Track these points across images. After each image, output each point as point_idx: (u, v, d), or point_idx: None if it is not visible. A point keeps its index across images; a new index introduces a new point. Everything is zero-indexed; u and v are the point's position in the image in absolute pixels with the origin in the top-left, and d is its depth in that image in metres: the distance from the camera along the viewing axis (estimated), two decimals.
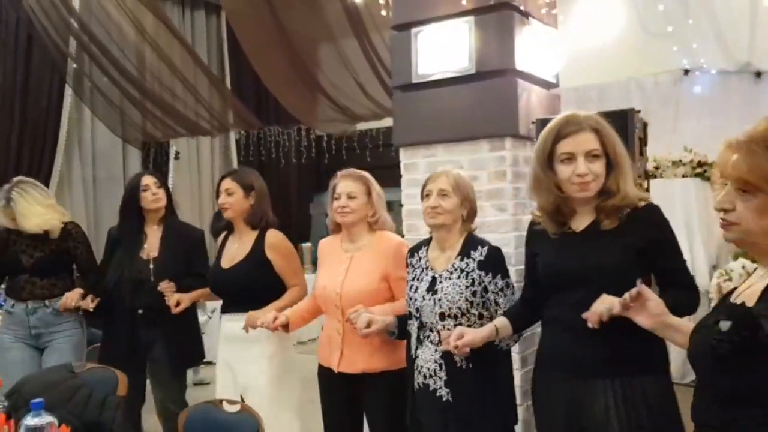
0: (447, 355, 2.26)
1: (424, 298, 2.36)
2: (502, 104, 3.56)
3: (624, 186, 1.97)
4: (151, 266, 3.33)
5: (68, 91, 7.23)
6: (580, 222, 2.04)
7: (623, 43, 5.75)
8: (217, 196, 3.20)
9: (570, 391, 1.96)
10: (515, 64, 3.59)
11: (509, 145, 3.57)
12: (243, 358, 3.08)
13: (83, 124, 7.74)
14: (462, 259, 2.35)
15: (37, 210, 3.44)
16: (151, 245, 3.41)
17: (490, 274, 2.31)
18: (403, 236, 3.81)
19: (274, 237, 3.18)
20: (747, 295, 1.44)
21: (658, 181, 5.30)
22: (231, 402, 2.36)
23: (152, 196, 3.39)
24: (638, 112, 3.29)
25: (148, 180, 3.42)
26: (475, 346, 2.12)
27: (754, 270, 1.55)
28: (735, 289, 1.55)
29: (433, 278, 2.38)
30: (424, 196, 2.43)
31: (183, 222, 3.75)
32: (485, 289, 2.32)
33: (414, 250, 2.57)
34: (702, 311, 4.82)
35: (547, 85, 3.95)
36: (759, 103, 5.27)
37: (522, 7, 3.67)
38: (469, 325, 2.27)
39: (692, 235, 5.32)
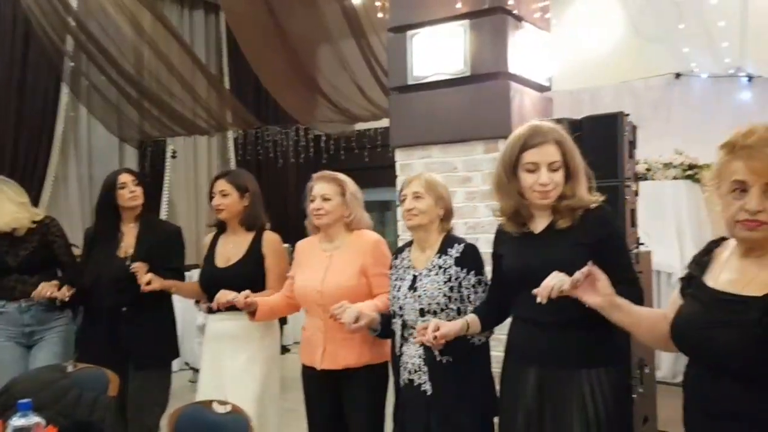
0: (427, 351, 2.37)
1: (406, 297, 2.47)
2: (495, 106, 3.64)
3: (578, 191, 2.12)
4: (128, 264, 3.28)
5: (65, 90, 7.24)
6: (539, 223, 2.18)
7: (616, 48, 5.84)
8: (211, 198, 3.22)
9: (537, 382, 2.08)
10: (508, 67, 3.67)
11: (502, 147, 3.65)
12: (230, 358, 3.10)
13: (79, 123, 7.74)
14: (440, 257, 2.47)
15: (8, 208, 3.43)
16: (128, 243, 3.38)
17: (465, 270, 2.43)
18: (396, 235, 3.88)
19: (271, 236, 3.23)
20: (754, 284, 1.51)
21: (649, 183, 5.38)
22: (221, 402, 2.36)
23: (129, 193, 3.35)
24: (627, 115, 3.36)
25: (125, 178, 3.38)
26: (448, 339, 2.24)
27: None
28: (692, 277, 1.69)
29: (414, 276, 2.50)
30: (401, 201, 2.57)
31: (159, 219, 3.81)
32: (460, 285, 2.43)
33: (398, 252, 2.67)
34: None
35: (540, 88, 4.03)
36: (748, 108, 5.35)
37: (515, 11, 3.75)
38: (447, 320, 2.35)
39: (682, 236, 5.39)
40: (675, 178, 5.42)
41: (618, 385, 2.09)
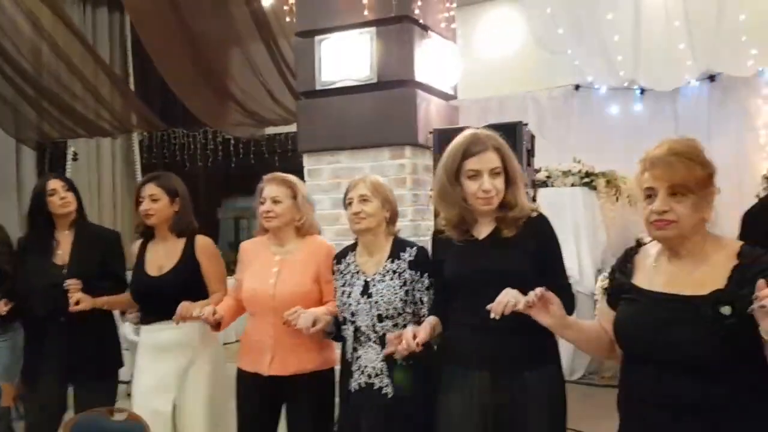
0: (387, 355, 2.32)
1: (359, 303, 2.43)
2: (402, 113, 3.71)
3: (520, 199, 2.17)
4: (65, 272, 3.13)
5: None
6: (482, 230, 2.21)
7: (520, 58, 6.05)
8: (138, 203, 3.04)
9: (489, 385, 2.11)
10: (415, 75, 3.74)
11: (409, 153, 3.72)
12: (175, 367, 2.94)
13: None
14: (393, 261, 2.45)
15: None
16: (65, 251, 3.23)
17: (419, 273, 2.42)
18: None
19: (204, 240, 3.09)
20: (689, 284, 1.63)
21: (549, 189, 5.59)
22: (119, 410, 2.30)
23: (60, 200, 3.20)
24: (526, 124, 3.49)
25: (55, 184, 3.22)
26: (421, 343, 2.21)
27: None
28: (621, 284, 1.79)
29: (366, 282, 2.46)
30: (347, 204, 2.49)
31: (96, 225, 3.60)
32: (414, 288, 2.43)
33: (340, 257, 2.61)
34: (585, 310, 5.08)
35: (445, 96, 4.12)
36: (642, 118, 5.66)
37: (422, 21, 3.83)
38: (404, 325, 2.36)
39: (579, 240, 5.63)
40: (573, 185, 5.65)
41: (560, 381, 2.21)
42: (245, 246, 2.93)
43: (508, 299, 1.79)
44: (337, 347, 2.68)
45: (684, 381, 1.60)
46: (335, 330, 2.54)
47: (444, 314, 2.30)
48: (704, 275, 1.63)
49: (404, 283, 2.41)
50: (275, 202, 2.71)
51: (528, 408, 2.08)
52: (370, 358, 2.43)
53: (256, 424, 2.76)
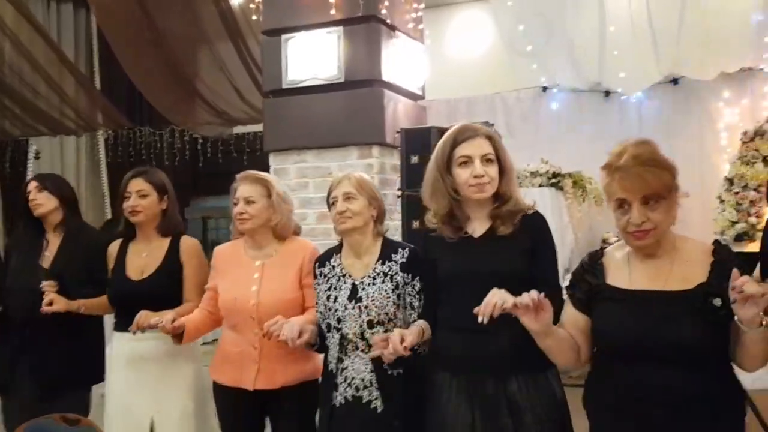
0: (378, 365, 2.19)
1: (346, 308, 2.25)
2: (369, 113, 3.71)
3: (514, 192, 2.11)
4: (44, 274, 2.96)
5: None
6: (477, 227, 2.12)
7: (489, 60, 6.09)
8: (123, 199, 2.85)
9: (493, 391, 2.01)
10: (382, 74, 3.74)
11: (377, 153, 3.73)
12: (151, 386, 2.75)
13: None
14: (383, 263, 2.27)
15: None
16: (52, 252, 3.08)
17: (411, 276, 2.26)
18: None
19: (190, 242, 2.91)
20: (672, 280, 1.68)
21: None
22: (72, 417, 2.17)
23: (32, 202, 3.06)
24: (492, 125, 3.51)
25: (31, 185, 3.10)
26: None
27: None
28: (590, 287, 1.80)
29: (354, 286, 2.28)
30: (331, 204, 2.33)
31: (91, 227, 3.41)
32: (406, 292, 2.27)
33: (324, 259, 2.41)
34: None
35: (413, 96, 4.13)
36: (607, 120, 5.74)
37: (389, 21, 3.83)
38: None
39: None
40: (541, 185, 5.70)
41: (558, 385, 2.09)
42: (220, 251, 2.72)
43: (495, 300, 1.71)
44: (319, 358, 2.50)
45: (684, 374, 1.63)
46: (318, 341, 2.35)
47: (435, 318, 2.17)
48: (685, 271, 1.69)
49: (396, 287, 2.24)
50: (248, 202, 2.53)
51: (522, 415, 1.98)
52: (358, 369, 2.24)
53: None
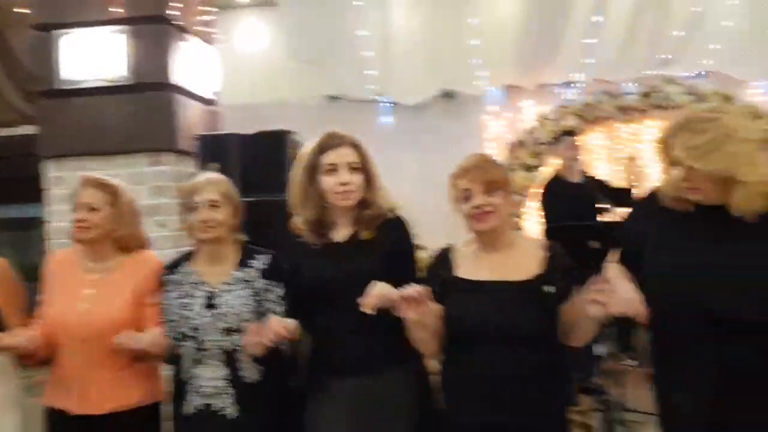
0: (233, 371, 2.17)
1: (202, 316, 2.19)
2: (160, 117, 3.52)
3: (378, 199, 2.16)
4: None
5: None
6: (341, 233, 2.16)
7: (278, 66, 6.07)
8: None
9: (355, 391, 2.07)
10: (173, 78, 3.57)
11: (170, 160, 3.54)
12: None
13: None
14: (242, 269, 2.24)
15: None
16: None
17: (272, 282, 2.24)
18: (39, 258, 3.48)
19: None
20: (512, 271, 1.89)
21: None
22: None
23: None
24: (294, 133, 3.53)
25: None
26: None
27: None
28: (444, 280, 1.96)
29: (210, 293, 2.21)
30: (191, 208, 2.22)
31: None
32: (266, 298, 2.24)
33: (173, 266, 2.31)
34: None
35: (206, 101, 4.00)
36: (390, 129, 6.06)
37: (179, 23, 3.67)
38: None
39: None
40: None
41: (425, 375, 2.18)
42: (53, 258, 2.50)
43: (380, 291, 1.83)
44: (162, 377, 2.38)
45: (523, 353, 1.84)
46: (170, 353, 2.26)
47: (300, 322, 2.16)
48: (522, 263, 1.93)
49: (256, 294, 2.21)
50: (91, 209, 2.31)
51: (394, 406, 2.08)
52: (207, 377, 2.19)
53: None
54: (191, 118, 3.75)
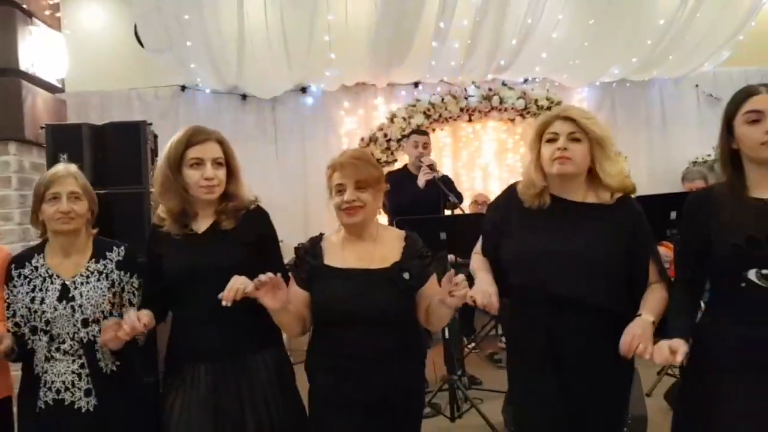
0: (91, 360, 2.21)
1: (56, 309, 2.21)
2: (6, 105, 3.35)
3: (240, 192, 2.25)
4: None
5: None
6: (202, 223, 2.24)
7: (127, 54, 5.86)
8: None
9: (211, 376, 2.17)
10: (19, 64, 3.41)
11: (14, 150, 3.38)
12: None
13: None
14: (97, 261, 2.28)
15: None
16: None
17: (128, 274, 2.31)
18: None
19: None
20: (375, 259, 2.07)
21: None
22: None
23: None
24: (150, 124, 3.49)
25: None
26: None
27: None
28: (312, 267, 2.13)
29: (64, 285, 2.24)
30: (50, 198, 2.22)
31: None
32: (123, 289, 2.30)
33: (22, 260, 2.29)
34: None
35: (52, 88, 3.84)
36: (244, 122, 6.07)
37: (25, 6, 3.50)
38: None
39: None
40: None
41: (285, 360, 2.32)
42: None
43: (238, 285, 1.93)
44: (14, 368, 2.33)
45: (383, 332, 2.04)
46: (17, 349, 2.22)
47: (158, 311, 2.25)
48: (384, 252, 2.12)
49: (112, 285, 2.27)
50: None
51: (256, 389, 2.19)
52: (59, 371, 2.21)
53: None
54: (38, 107, 3.60)
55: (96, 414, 2.20)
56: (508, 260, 2.13)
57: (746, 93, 1.86)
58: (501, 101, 6.06)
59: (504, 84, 6.13)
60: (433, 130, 6.03)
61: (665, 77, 6.42)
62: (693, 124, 6.46)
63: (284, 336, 2.32)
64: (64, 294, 2.22)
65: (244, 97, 6.07)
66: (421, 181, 4.33)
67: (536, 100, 6.09)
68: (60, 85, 3.93)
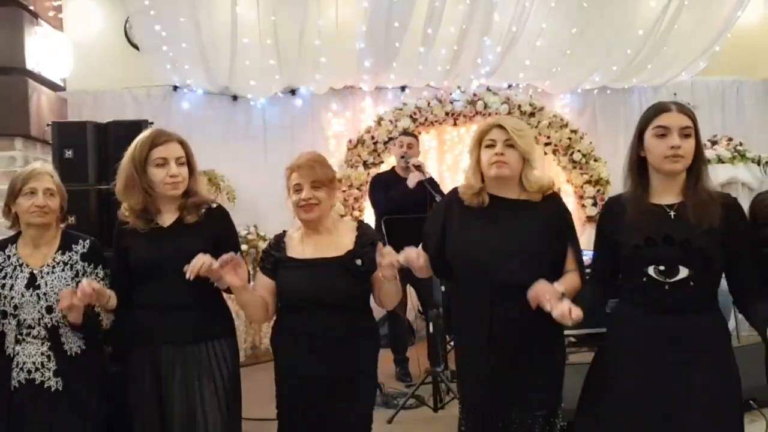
0: (56, 343, 2.38)
1: (23, 295, 2.39)
2: (12, 103, 3.47)
3: (200, 188, 2.48)
4: None
5: None
6: (167, 218, 2.42)
7: (120, 54, 5.94)
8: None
9: (171, 358, 2.34)
10: (26, 63, 3.52)
11: (20, 146, 3.49)
12: None
13: None
14: (63, 253, 2.46)
15: None
16: None
17: (93, 265, 2.48)
18: None
19: None
20: (330, 249, 2.32)
21: None
22: None
23: None
24: (152, 123, 3.62)
25: None
26: None
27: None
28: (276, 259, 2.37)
29: (32, 274, 2.42)
30: (28, 192, 2.40)
31: None
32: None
33: None
34: None
35: (55, 87, 3.95)
36: (235, 122, 6.17)
37: (31, 7, 3.61)
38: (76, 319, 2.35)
39: None
40: None
41: (236, 349, 2.51)
42: None
43: (203, 260, 2.15)
44: None
45: (339, 314, 2.29)
46: None
47: (125, 300, 2.43)
48: (338, 243, 2.37)
49: (76, 275, 2.43)
50: None
51: (205, 379, 2.36)
52: (29, 353, 2.39)
53: None
54: (42, 105, 3.71)
55: (65, 393, 2.38)
56: (452, 254, 2.34)
57: (659, 109, 2.09)
58: (485, 106, 6.24)
59: (489, 89, 6.30)
60: (419, 133, 6.18)
61: (644, 85, 6.63)
62: None
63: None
64: (32, 282, 2.41)
65: (234, 98, 6.16)
66: (412, 182, 4.47)
67: (519, 106, 6.28)
68: (62, 84, 4.03)
